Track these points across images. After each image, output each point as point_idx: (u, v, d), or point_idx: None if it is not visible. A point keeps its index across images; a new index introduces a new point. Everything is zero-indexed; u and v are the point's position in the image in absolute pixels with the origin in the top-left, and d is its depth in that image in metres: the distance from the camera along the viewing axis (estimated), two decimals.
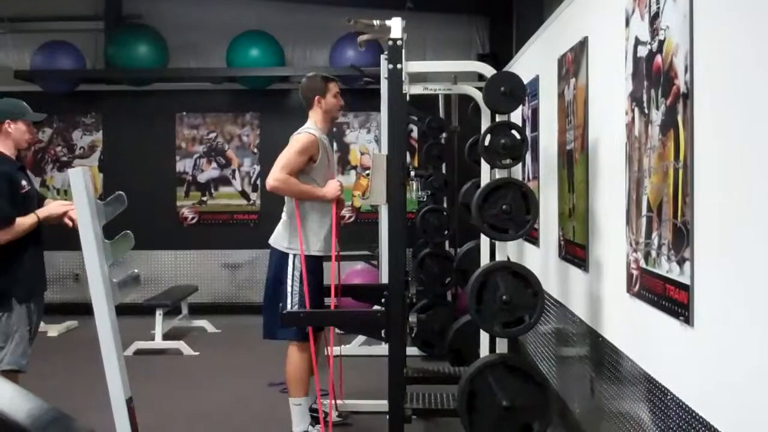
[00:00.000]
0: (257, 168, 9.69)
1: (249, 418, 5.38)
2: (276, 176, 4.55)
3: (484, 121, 4.83)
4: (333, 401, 4.90)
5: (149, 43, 9.23)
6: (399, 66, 4.04)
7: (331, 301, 4.69)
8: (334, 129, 9.66)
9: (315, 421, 4.79)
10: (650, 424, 3.12)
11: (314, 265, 4.69)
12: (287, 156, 4.61)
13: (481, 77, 5.59)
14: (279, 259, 4.73)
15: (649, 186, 3.12)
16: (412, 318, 4.57)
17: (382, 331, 4.09)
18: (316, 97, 4.81)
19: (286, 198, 4.75)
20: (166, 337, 7.65)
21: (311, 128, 4.74)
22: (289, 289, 4.65)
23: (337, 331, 5.32)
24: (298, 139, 4.67)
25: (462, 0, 9.58)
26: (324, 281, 4.89)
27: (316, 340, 4.65)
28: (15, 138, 4.41)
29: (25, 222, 4.22)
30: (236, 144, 9.76)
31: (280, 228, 4.79)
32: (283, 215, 4.80)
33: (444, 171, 7.35)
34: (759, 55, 2.22)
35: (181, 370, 6.88)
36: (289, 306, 4.62)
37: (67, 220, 4.29)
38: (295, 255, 4.67)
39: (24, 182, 4.32)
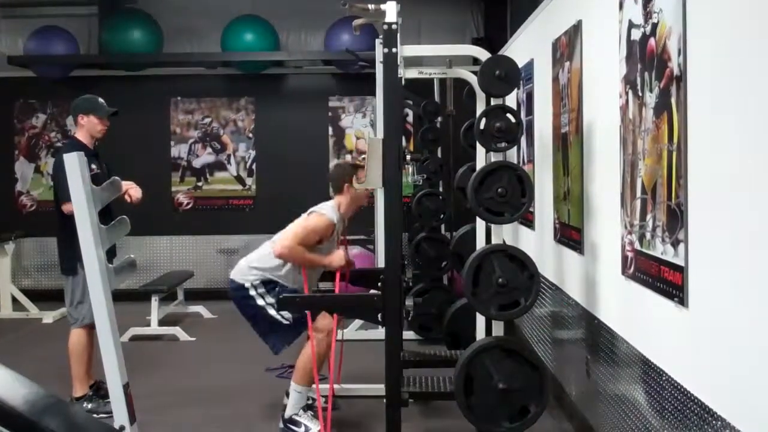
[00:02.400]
0: (252, 153, 9.66)
1: (246, 403, 5.39)
2: (286, 245, 4.66)
3: (479, 105, 4.83)
4: (332, 386, 4.91)
5: (143, 27, 9.18)
6: (394, 50, 4.02)
7: (336, 286, 4.74)
8: (329, 114, 9.65)
9: (307, 407, 4.80)
10: (646, 405, 3.14)
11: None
12: (301, 230, 4.72)
13: (476, 61, 5.58)
14: (237, 294, 4.78)
15: (644, 168, 3.13)
16: (409, 302, 4.58)
17: (379, 315, 4.09)
18: (346, 185, 4.90)
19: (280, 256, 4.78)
20: (162, 323, 7.65)
21: (331, 212, 4.83)
22: (270, 312, 4.70)
23: None
24: (317, 220, 4.77)
25: None
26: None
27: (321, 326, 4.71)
28: (88, 129, 5.24)
29: None
30: (231, 129, 9.73)
31: (247, 264, 4.84)
32: (255, 259, 4.84)
33: (439, 155, 7.35)
34: (751, 38, 2.22)
35: (178, 356, 6.89)
36: (281, 321, 4.70)
37: (127, 197, 5.01)
38: (251, 284, 4.73)
39: (93, 165, 4.94)
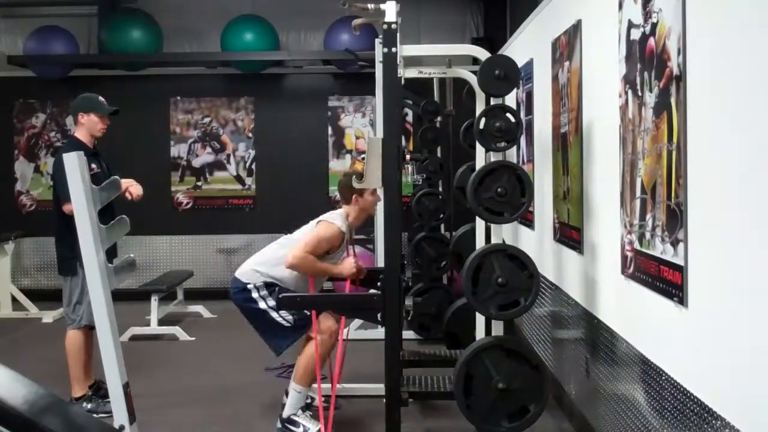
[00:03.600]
0: (252, 152, 9.66)
1: (246, 403, 5.39)
2: (297, 255, 4.63)
3: (478, 105, 4.83)
4: (334, 386, 4.91)
5: (143, 27, 9.18)
6: (393, 50, 4.02)
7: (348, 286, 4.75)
8: (329, 113, 9.64)
9: (305, 406, 4.81)
10: (645, 405, 3.14)
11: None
12: (312, 240, 4.70)
13: (475, 61, 5.59)
14: (240, 295, 4.78)
15: (643, 168, 3.13)
16: (408, 301, 4.59)
17: (379, 315, 4.09)
18: (354, 196, 4.87)
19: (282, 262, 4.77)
20: (162, 322, 7.65)
21: (341, 221, 4.82)
22: (272, 314, 4.70)
23: None
24: (327, 230, 4.76)
25: None
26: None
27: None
28: (88, 128, 5.21)
29: None
30: (231, 128, 9.73)
31: (251, 267, 4.84)
32: (261, 262, 4.83)
33: (439, 154, 7.35)
34: (751, 37, 2.22)
35: (177, 356, 6.89)
36: (282, 323, 4.70)
37: (127, 195, 5.03)
38: (253, 285, 4.74)
39: (93, 165, 4.95)
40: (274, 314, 4.68)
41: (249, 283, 4.75)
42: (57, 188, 5.17)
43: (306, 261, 4.66)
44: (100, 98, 5.29)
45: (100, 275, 2.51)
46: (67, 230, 5.04)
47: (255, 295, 4.73)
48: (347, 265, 4.78)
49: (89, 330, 5.11)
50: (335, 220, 4.82)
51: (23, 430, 1.63)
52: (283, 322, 4.69)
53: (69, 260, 5.09)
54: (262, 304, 4.71)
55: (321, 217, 4.87)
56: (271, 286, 4.72)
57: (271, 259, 4.80)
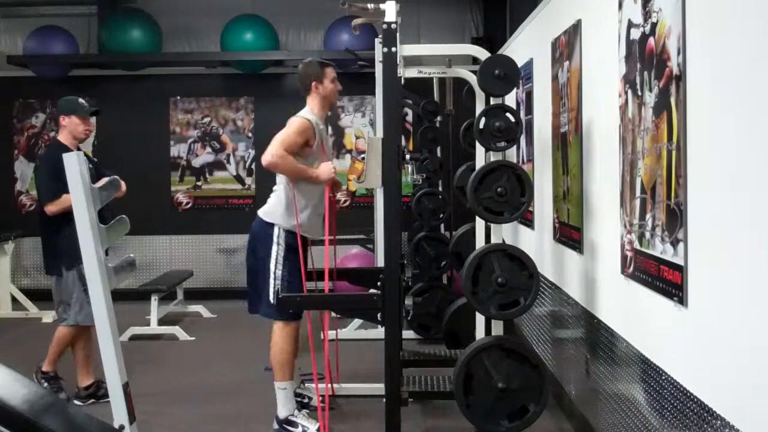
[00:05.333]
0: (252, 152, 9.66)
1: (245, 402, 5.39)
2: (273, 152, 4.54)
3: (478, 105, 4.83)
4: (328, 385, 4.90)
5: (143, 27, 9.18)
6: (393, 49, 4.02)
7: (324, 285, 4.68)
8: (329, 113, 9.62)
9: (301, 405, 4.80)
10: (645, 405, 3.14)
11: (298, 244, 4.67)
12: (285, 135, 4.61)
13: (475, 60, 5.59)
14: (262, 229, 4.74)
15: (643, 168, 3.13)
16: (408, 301, 4.59)
17: (379, 315, 4.09)
18: (314, 83, 4.78)
19: (278, 175, 4.75)
20: (162, 322, 7.65)
21: (307, 114, 4.74)
22: (271, 268, 4.66)
23: (333, 315, 5.33)
24: (296, 123, 4.67)
25: None
26: (317, 265, 4.89)
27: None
28: (70, 130, 5.27)
29: (69, 197, 4.95)
30: (231, 128, 9.73)
31: (270, 201, 4.80)
32: (274, 191, 4.79)
33: (439, 154, 7.35)
34: (751, 37, 2.22)
35: (177, 356, 6.89)
36: (271, 289, 4.64)
37: None
38: (279, 229, 4.68)
39: None
40: (271, 274, 4.66)
41: (275, 224, 4.70)
42: (39, 190, 5.24)
43: (285, 159, 4.55)
44: (80, 100, 5.31)
45: (99, 275, 2.51)
46: (50, 231, 5.11)
47: (275, 235, 4.68)
48: (325, 168, 4.68)
49: (81, 328, 5.18)
50: (302, 114, 4.74)
51: (23, 430, 1.64)
52: (270, 295, 4.65)
53: (53, 260, 5.14)
54: (274, 249, 4.67)
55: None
56: (288, 247, 4.67)
57: (277, 198, 4.76)
